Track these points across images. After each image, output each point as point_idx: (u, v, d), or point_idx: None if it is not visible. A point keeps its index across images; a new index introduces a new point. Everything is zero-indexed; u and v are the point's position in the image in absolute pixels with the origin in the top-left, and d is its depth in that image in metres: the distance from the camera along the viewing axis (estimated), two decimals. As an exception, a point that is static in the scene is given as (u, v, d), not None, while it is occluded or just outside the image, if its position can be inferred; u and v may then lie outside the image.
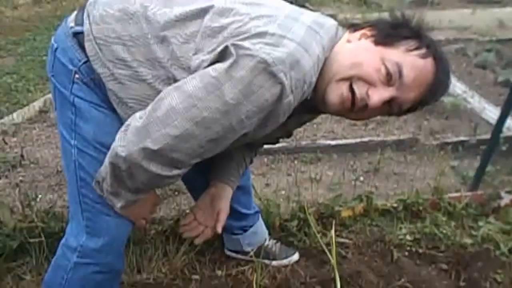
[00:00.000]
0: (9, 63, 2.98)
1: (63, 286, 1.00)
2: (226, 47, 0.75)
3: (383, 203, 1.67)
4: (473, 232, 1.57)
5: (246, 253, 1.41)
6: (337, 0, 5.34)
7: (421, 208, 1.65)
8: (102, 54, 0.84)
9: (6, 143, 2.05)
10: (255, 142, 1.06)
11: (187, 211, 1.57)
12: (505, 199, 1.70)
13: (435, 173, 1.84)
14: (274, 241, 1.47)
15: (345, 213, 1.64)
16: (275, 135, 0.99)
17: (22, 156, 1.95)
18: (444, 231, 1.55)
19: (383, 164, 2.06)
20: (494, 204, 1.69)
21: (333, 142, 2.20)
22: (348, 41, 0.85)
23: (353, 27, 0.87)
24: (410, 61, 0.81)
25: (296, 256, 1.46)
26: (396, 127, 2.38)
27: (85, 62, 0.86)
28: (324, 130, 2.34)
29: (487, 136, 1.89)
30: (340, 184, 1.89)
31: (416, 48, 0.82)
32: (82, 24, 0.87)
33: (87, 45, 0.85)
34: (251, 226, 1.39)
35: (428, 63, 0.82)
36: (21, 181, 1.83)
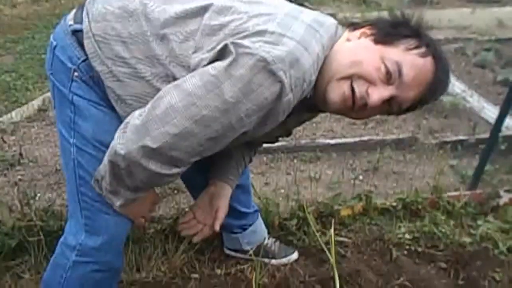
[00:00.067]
0: (7, 62, 2.97)
1: (62, 285, 1.00)
2: (226, 46, 0.75)
3: (382, 202, 1.67)
4: (472, 231, 1.58)
5: (246, 252, 1.41)
6: (336, -1, 5.34)
7: (420, 207, 1.66)
8: (101, 52, 0.84)
9: (4, 142, 2.05)
10: (255, 141, 1.06)
11: (186, 209, 1.57)
12: (504, 198, 1.70)
13: (434, 172, 1.84)
14: (273, 240, 1.47)
15: (345, 212, 1.64)
16: (274, 134, 0.99)
17: (20, 154, 1.94)
18: (443, 230, 1.55)
19: (382, 163, 2.06)
20: (493, 203, 1.69)
21: (333, 141, 2.20)
22: (348, 40, 0.85)
23: (353, 26, 0.87)
24: (409, 60, 0.81)
25: (295, 255, 1.46)
26: (395, 126, 2.39)
27: (84, 60, 0.86)
28: (323, 129, 2.34)
29: (486, 135, 1.89)
30: (339, 183, 1.89)
31: (416, 47, 0.82)
32: (81, 22, 0.86)
33: (86, 43, 0.85)
34: (250, 225, 1.39)
35: (428, 62, 0.82)
36: (20, 179, 1.83)
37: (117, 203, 0.89)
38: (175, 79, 0.81)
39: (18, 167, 1.91)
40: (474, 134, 2.23)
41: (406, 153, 2.16)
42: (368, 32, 0.84)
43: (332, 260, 0.78)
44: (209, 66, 0.76)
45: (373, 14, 4.24)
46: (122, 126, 0.81)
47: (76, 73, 0.86)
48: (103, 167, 0.85)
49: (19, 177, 1.85)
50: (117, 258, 1.04)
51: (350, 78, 0.81)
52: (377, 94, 0.81)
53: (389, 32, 0.83)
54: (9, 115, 2.26)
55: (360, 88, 0.81)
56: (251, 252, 1.36)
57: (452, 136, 2.27)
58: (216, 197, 1.11)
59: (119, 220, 0.96)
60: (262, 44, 0.74)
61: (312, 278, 1.38)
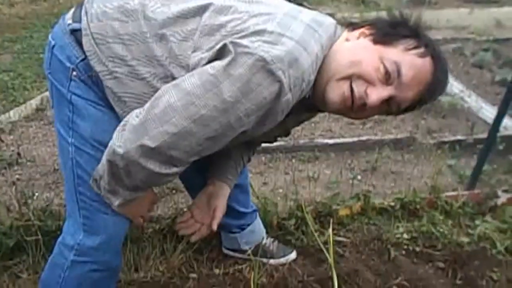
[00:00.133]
0: (5, 61, 2.97)
1: (60, 285, 1.00)
2: (225, 45, 0.75)
3: (380, 202, 1.67)
4: (470, 231, 1.58)
5: (244, 252, 1.41)
6: (335, -1, 5.34)
7: (418, 207, 1.66)
8: (100, 52, 0.84)
9: (2, 141, 2.04)
10: (253, 141, 1.06)
11: (185, 209, 1.57)
12: (502, 198, 1.71)
13: (432, 172, 1.84)
14: (272, 239, 1.47)
15: (343, 212, 1.64)
16: (273, 134, 0.99)
17: (18, 154, 1.94)
18: (441, 230, 1.56)
19: (381, 163, 2.06)
20: (490, 203, 1.69)
21: (331, 141, 2.20)
22: (347, 39, 0.85)
23: (352, 26, 0.87)
24: (408, 60, 0.81)
25: (293, 255, 1.46)
26: (393, 126, 2.39)
27: (82, 60, 0.86)
28: (322, 129, 2.35)
29: (484, 135, 1.90)
30: (337, 183, 1.89)
31: (415, 47, 0.82)
32: (79, 21, 0.86)
33: (84, 42, 0.84)
34: (248, 225, 1.39)
35: (427, 62, 0.83)
36: (17, 179, 1.82)
37: (116, 202, 0.89)
38: (174, 78, 0.81)
39: (16, 167, 1.91)
40: (472, 134, 2.24)
41: (404, 153, 2.16)
42: (367, 32, 0.84)
43: (331, 259, 0.78)
44: (208, 66, 0.76)
45: (372, 14, 4.24)
46: (120, 125, 0.81)
47: (74, 73, 0.86)
48: (102, 167, 0.85)
49: (17, 176, 1.85)
50: (115, 258, 1.04)
51: (349, 78, 0.81)
52: (376, 94, 0.81)
53: (388, 32, 0.83)
54: (7, 114, 2.26)
55: (359, 88, 0.81)
56: (249, 251, 1.36)
57: (450, 136, 2.27)
58: (214, 196, 1.10)
59: (117, 219, 0.95)
60: (261, 43, 0.74)
61: (310, 277, 1.38)
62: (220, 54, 0.76)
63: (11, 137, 2.12)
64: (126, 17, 0.84)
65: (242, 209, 1.35)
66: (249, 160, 1.20)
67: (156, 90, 0.80)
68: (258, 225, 1.43)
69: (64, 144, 0.92)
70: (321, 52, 0.80)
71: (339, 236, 1.56)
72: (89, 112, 0.88)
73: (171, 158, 0.79)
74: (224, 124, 0.77)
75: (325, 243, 1.45)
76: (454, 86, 2.76)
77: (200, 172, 1.12)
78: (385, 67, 0.80)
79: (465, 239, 1.53)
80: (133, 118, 0.79)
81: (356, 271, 1.37)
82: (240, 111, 0.75)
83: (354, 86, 0.81)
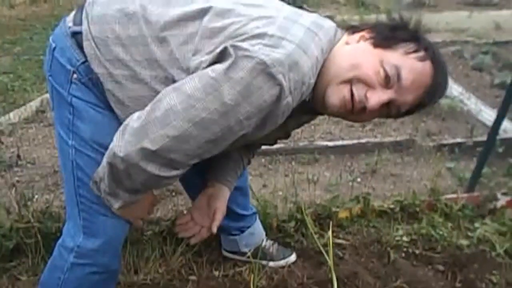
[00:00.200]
0: (5, 63, 2.97)
1: (60, 287, 1.00)
2: (225, 48, 0.75)
3: (380, 204, 1.68)
4: (470, 234, 1.58)
5: (243, 254, 1.41)
6: (334, 2, 5.36)
7: (417, 209, 1.66)
8: (100, 54, 0.84)
9: (2, 143, 2.04)
10: (253, 143, 1.06)
11: (184, 211, 1.57)
12: (501, 201, 1.71)
13: (432, 174, 1.85)
14: (271, 242, 1.47)
15: (342, 214, 1.64)
16: (273, 136, 1.00)
17: (18, 156, 1.94)
18: (441, 232, 1.56)
19: (380, 165, 2.06)
20: (490, 205, 1.69)
21: (331, 143, 2.21)
22: (347, 43, 0.85)
23: (352, 29, 0.88)
24: (408, 64, 0.81)
25: (293, 257, 1.46)
26: (393, 129, 2.39)
27: (83, 62, 0.86)
28: (321, 131, 2.35)
29: (484, 138, 1.90)
30: (337, 185, 1.89)
31: (415, 51, 0.82)
32: (80, 24, 0.86)
33: (85, 45, 0.85)
34: (248, 227, 1.39)
35: (426, 65, 0.83)
36: (17, 181, 1.82)
37: (116, 205, 0.89)
38: (174, 81, 0.81)
39: (16, 169, 1.91)
40: (471, 137, 2.24)
41: (404, 156, 2.16)
42: (367, 35, 0.85)
43: (330, 262, 0.78)
44: (209, 69, 0.76)
45: (371, 17, 4.26)
46: (121, 128, 0.81)
47: (75, 75, 0.86)
48: (102, 169, 0.85)
49: (17, 178, 1.85)
50: (115, 260, 1.04)
51: (349, 81, 0.81)
52: (376, 97, 0.81)
53: (387, 36, 0.83)
54: (7, 116, 2.26)
55: (359, 91, 0.81)
56: (249, 254, 1.36)
57: (450, 139, 2.28)
58: (214, 199, 1.11)
59: (117, 222, 0.95)
60: (261, 47, 0.74)
61: (310, 280, 1.38)
62: (220, 57, 0.76)
63: (11, 139, 2.12)
64: (127, 20, 0.84)
65: (241, 212, 1.35)
66: (249, 163, 1.20)
67: (156, 92, 0.81)
68: (257, 227, 1.43)
69: (64, 146, 0.92)
70: (321, 55, 0.80)
71: (339, 238, 1.56)
72: (89, 114, 0.88)
73: (171, 161, 0.79)
74: (225, 127, 0.77)
75: (325, 245, 1.45)
76: (454, 88, 2.77)
77: (200, 174, 1.12)
78: (385, 70, 0.80)
79: (465, 242, 1.53)
80: (133, 121, 0.79)
81: (356, 274, 1.37)
82: (241, 114, 0.76)
83: (354, 89, 0.81)
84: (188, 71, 0.80)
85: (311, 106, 0.88)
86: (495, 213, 1.67)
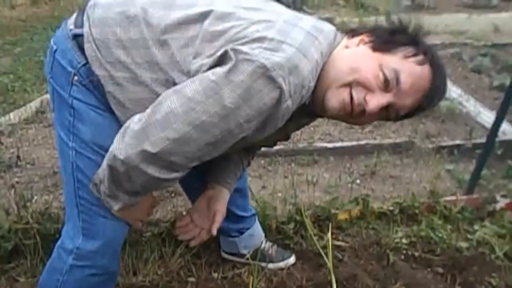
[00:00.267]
0: (6, 63, 2.97)
1: (59, 289, 1.00)
2: (226, 52, 0.76)
3: (379, 206, 1.68)
4: (469, 236, 1.58)
5: (243, 256, 1.41)
6: (334, 4, 5.37)
7: (417, 211, 1.66)
8: (101, 56, 0.84)
9: (2, 144, 2.04)
10: (253, 145, 1.06)
11: (184, 213, 1.57)
12: (500, 203, 1.71)
13: (431, 176, 1.85)
14: (271, 243, 1.47)
15: (342, 216, 1.64)
16: (273, 139, 1.00)
17: (18, 157, 1.94)
18: (440, 235, 1.56)
19: (380, 167, 2.07)
20: (489, 208, 1.70)
21: (330, 145, 2.21)
22: (347, 46, 0.86)
23: (351, 32, 0.88)
24: (407, 68, 0.82)
25: (292, 259, 1.46)
26: (392, 131, 2.40)
27: (84, 64, 0.86)
28: (321, 133, 2.35)
29: (483, 140, 1.90)
30: (336, 187, 1.89)
31: (414, 55, 0.83)
32: (81, 27, 0.87)
33: (86, 47, 0.85)
34: (247, 229, 1.39)
35: (425, 69, 0.83)
36: (17, 182, 1.82)
37: (115, 207, 0.89)
38: (175, 84, 0.81)
39: (15, 169, 1.91)
40: (470, 139, 2.24)
41: (403, 157, 2.17)
42: (367, 39, 0.85)
43: (329, 264, 0.78)
44: (209, 72, 0.77)
45: (371, 19, 4.27)
46: (121, 130, 0.82)
47: (76, 77, 0.87)
48: (102, 171, 0.85)
49: (16, 179, 1.85)
50: (114, 262, 1.04)
51: (349, 85, 0.82)
52: (375, 101, 0.81)
53: (387, 39, 0.84)
54: (7, 116, 2.26)
55: (358, 95, 0.82)
56: (248, 256, 1.36)
57: (449, 141, 2.28)
58: (214, 201, 1.11)
59: (116, 224, 0.96)
60: (261, 50, 0.74)
61: (309, 282, 1.38)
62: (221, 60, 0.76)
63: (11, 139, 2.12)
64: (128, 23, 0.84)
65: (241, 213, 1.35)
66: (248, 164, 1.20)
67: (157, 95, 0.81)
68: (257, 229, 1.43)
69: (65, 148, 0.92)
70: (321, 59, 0.81)
71: (338, 240, 1.56)
72: (90, 116, 0.88)
73: (171, 164, 0.80)
74: (225, 130, 0.77)
75: (324, 247, 1.45)
76: (453, 90, 2.78)
77: (200, 176, 1.13)
78: (384, 74, 0.81)
79: (464, 244, 1.53)
80: (134, 123, 0.80)
81: (355, 276, 1.37)
82: (241, 117, 0.76)
83: (353, 93, 0.82)
84: (189, 74, 0.81)
85: (311, 109, 0.88)
86: (494, 216, 1.67)
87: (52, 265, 1.02)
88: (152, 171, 0.79)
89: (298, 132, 2.14)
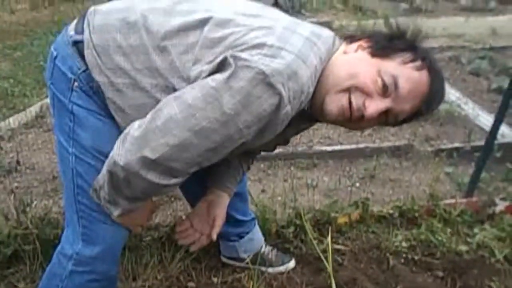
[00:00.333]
0: (6, 68, 2.98)
1: (58, 294, 0.99)
2: (225, 58, 0.76)
3: (379, 210, 1.68)
4: (469, 239, 1.58)
5: (242, 260, 1.41)
6: (332, 7, 5.39)
7: (416, 214, 1.66)
8: (101, 63, 0.85)
9: (1, 148, 2.05)
10: (253, 150, 1.07)
11: (183, 217, 1.57)
12: (500, 206, 1.71)
13: (430, 179, 1.85)
14: (270, 247, 1.47)
15: (341, 220, 1.64)
16: (272, 143, 1.00)
17: (17, 161, 1.94)
18: (440, 238, 1.56)
19: (379, 170, 2.07)
20: (489, 211, 1.70)
21: (329, 148, 2.21)
22: (345, 52, 0.86)
23: (350, 38, 0.89)
24: (405, 73, 0.82)
25: (292, 263, 1.46)
26: (391, 134, 2.40)
27: (84, 70, 0.87)
28: (320, 136, 2.36)
29: (482, 142, 1.91)
30: (336, 190, 1.89)
31: (412, 61, 0.83)
32: (82, 33, 0.87)
33: (86, 53, 0.85)
34: (247, 233, 1.39)
35: (423, 75, 0.84)
36: (16, 187, 1.82)
37: (115, 212, 0.89)
38: (174, 90, 0.82)
39: (15, 174, 1.91)
40: (469, 142, 2.25)
41: (403, 161, 2.17)
42: (365, 45, 0.86)
43: (329, 268, 0.78)
44: (209, 78, 0.77)
45: (369, 22, 4.29)
46: (121, 136, 0.82)
47: (76, 83, 0.87)
48: (102, 177, 0.85)
49: (16, 184, 1.85)
50: (113, 267, 1.04)
51: (348, 90, 0.82)
52: (374, 106, 0.82)
53: (385, 45, 0.84)
54: (6, 121, 2.26)
55: (357, 100, 0.82)
56: (248, 260, 1.36)
57: (448, 144, 2.29)
58: (213, 205, 1.11)
59: (116, 229, 0.96)
60: (261, 57, 0.75)
61: (309, 286, 1.38)
62: (220, 67, 0.77)
63: (10, 144, 2.12)
64: (128, 29, 0.85)
65: (240, 217, 1.35)
66: (248, 169, 1.20)
67: (157, 101, 0.81)
68: (256, 233, 1.43)
69: (65, 153, 0.92)
70: (320, 64, 0.81)
71: (338, 244, 1.56)
72: (90, 122, 0.88)
73: (171, 170, 0.80)
74: (225, 136, 0.77)
75: (324, 251, 1.45)
76: (451, 93, 2.79)
77: (199, 180, 1.13)
78: (382, 80, 0.81)
79: (464, 248, 1.53)
80: (134, 129, 0.80)
81: (355, 280, 1.37)
82: (240, 123, 0.76)
83: (352, 98, 0.82)
84: (189, 80, 0.81)
85: (310, 113, 0.88)
86: (494, 219, 1.67)
87: (52, 270, 1.02)
88: (152, 177, 0.80)
89: (298, 135, 2.15)
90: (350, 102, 0.82)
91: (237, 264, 1.45)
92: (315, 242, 1.50)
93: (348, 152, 2.20)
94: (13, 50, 3.29)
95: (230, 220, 1.24)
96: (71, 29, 0.90)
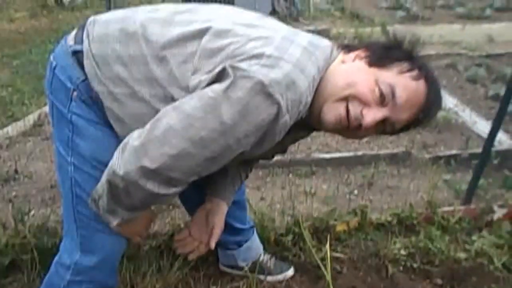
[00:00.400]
0: (4, 76, 2.98)
1: (56, 304, 0.99)
2: (224, 68, 0.77)
3: (377, 217, 1.68)
4: (467, 247, 1.58)
5: (241, 269, 1.41)
6: (330, 15, 5.44)
7: (415, 222, 1.66)
8: (100, 73, 0.85)
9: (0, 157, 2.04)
10: (251, 159, 1.07)
11: (182, 226, 1.57)
12: (498, 213, 1.71)
13: (428, 186, 1.85)
14: (269, 256, 1.47)
15: (340, 227, 1.64)
16: (271, 152, 1.00)
17: (16, 170, 1.93)
18: (438, 246, 1.56)
19: (377, 178, 2.07)
20: (487, 218, 1.70)
21: (328, 156, 2.22)
22: (343, 61, 0.87)
23: (348, 48, 0.90)
24: (402, 83, 0.83)
25: (291, 271, 1.46)
26: (389, 141, 2.41)
27: (83, 80, 0.87)
28: (318, 144, 2.36)
29: (479, 149, 1.92)
30: (334, 198, 1.89)
31: (409, 70, 0.84)
32: (81, 43, 0.88)
33: (86, 63, 0.86)
34: (246, 241, 1.39)
35: (420, 84, 0.85)
36: (14, 196, 1.81)
37: (114, 222, 0.89)
38: (173, 99, 0.82)
39: (12, 183, 1.90)
40: (467, 149, 2.26)
41: (401, 168, 2.18)
42: (362, 54, 0.86)
43: (328, 276, 0.78)
44: (208, 89, 0.78)
45: (366, 30, 4.33)
46: (121, 146, 0.82)
47: (75, 93, 0.88)
48: (101, 187, 0.85)
49: (14, 193, 1.84)
50: (112, 277, 1.04)
51: (345, 99, 0.83)
52: (372, 115, 0.83)
53: (382, 55, 0.85)
54: (4, 129, 2.26)
55: (355, 109, 0.83)
56: (246, 268, 1.36)
57: (446, 151, 2.30)
58: (212, 214, 1.11)
59: (115, 239, 0.96)
60: (259, 67, 0.75)
61: (308, 294, 1.37)
62: (219, 77, 0.77)
63: (8, 152, 2.12)
64: (127, 39, 0.85)
65: (239, 225, 1.35)
66: (246, 177, 1.20)
67: (156, 110, 0.82)
68: (255, 241, 1.43)
69: (63, 163, 0.92)
70: (318, 74, 0.82)
71: (337, 252, 1.56)
72: (89, 132, 0.89)
73: (170, 179, 0.80)
74: (223, 146, 0.78)
75: (323, 259, 1.44)
76: (449, 101, 2.80)
77: (197, 188, 1.13)
78: (380, 89, 0.82)
79: (463, 255, 1.53)
80: (133, 139, 0.80)
81: (354, 288, 1.37)
82: (239, 133, 0.77)
83: (350, 107, 0.83)
84: (187, 90, 0.81)
85: (308, 122, 0.89)
86: (492, 226, 1.67)
87: (50, 280, 1.02)
88: (151, 186, 0.80)
89: (296, 143, 2.16)
90: (348, 111, 0.83)
91: (236, 272, 1.44)
92: (313, 250, 1.49)
93: (346, 160, 2.21)
94: (12, 58, 3.30)
95: (229, 228, 1.24)
96: (70, 39, 0.91)
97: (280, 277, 1.43)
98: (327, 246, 0.93)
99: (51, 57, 0.92)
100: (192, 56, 0.82)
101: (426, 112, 0.86)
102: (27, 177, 1.95)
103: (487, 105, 2.87)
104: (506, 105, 1.62)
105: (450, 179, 2.06)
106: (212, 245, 1.09)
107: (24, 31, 3.94)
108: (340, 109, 0.83)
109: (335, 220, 1.64)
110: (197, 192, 1.15)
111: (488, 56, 3.79)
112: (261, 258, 1.43)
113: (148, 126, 0.80)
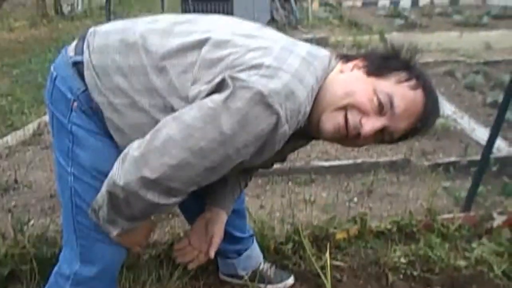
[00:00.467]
0: (4, 85, 2.99)
1: (56, 315, 0.98)
2: (223, 79, 0.77)
3: (377, 225, 1.67)
4: (467, 254, 1.57)
5: (241, 277, 1.40)
6: (328, 23, 5.48)
7: (414, 229, 1.66)
8: (100, 83, 0.86)
9: (-1, 166, 2.04)
10: (251, 168, 1.07)
11: (181, 235, 1.56)
12: (497, 220, 1.71)
13: (428, 194, 1.86)
14: (269, 264, 1.46)
15: (340, 235, 1.64)
16: (270, 161, 1.01)
17: (15, 180, 1.93)
18: (438, 253, 1.55)
19: (377, 185, 2.07)
20: (486, 225, 1.70)
21: (327, 164, 2.22)
22: (341, 71, 0.88)
23: (346, 57, 0.91)
24: (400, 92, 0.84)
25: (291, 280, 1.45)
26: (388, 149, 2.42)
27: (83, 91, 0.88)
28: (318, 152, 2.37)
29: (478, 156, 1.92)
30: (334, 206, 1.89)
31: (406, 80, 0.85)
32: (81, 54, 0.89)
33: (86, 74, 0.87)
34: (245, 250, 1.39)
35: (418, 94, 0.86)
36: (14, 205, 1.81)
37: (114, 232, 0.89)
38: (173, 109, 0.83)
39: (12, 192, 1.90)
40: (465, 156, 2.26)
41: (400, 175, 2.18)
42: (360, 64, 0.87)
43: (328, 285, 0.78)
44: (207, 99, 0.78)
45: (364, 38, 4.36)
46: (121, 156, 0.82)
47: (75, 104, 0.88)
48: (101, 197, 0.85)
49: (13, 202, 1.84)
50: (111, 287, 1.03)
51: (344, 108, 0.84)
52: (370, 124, 0.83)
53: (380, 65, 0.86)
54: (4, 139, 2.26)
55: (353, 118, 0.83)
56: (246, 277, 1.35)
57: (444, 158, 2.30)
58: (211, 223, 1.11)
59: (115, 249, 0.95)
60: (258, 77, 0.76)
61: (308, 303, 1.36)
62: (218, 87, 0.78)
63: (8, 162, 2.12)
64: (127, 50, 0.86)
65: (238, 234, 1.34)
66: (246, 186, 1.21)
67: (156, 121, 0.82)
68: (255, 250, 1.43)
69: (63, 173, 0.92)
70: (316, 84, 0.83)
71: (337, 260, 1.55)
72: (89, 142, 0.89)
73: (170, 189, 0.80)
74: (223, 156, 0.78)
75: (323, 267, 1.44)
76: (447, 108, 2.82)
77: (197, 197, 1.13)
78: (378, 98, 0.83)
79: (463, 263, 1.52)
80: (133, 149, 0.81)
81: (355, 297, 1.36)
82: (239, 143, 0.77)
83: (349, 116, 0.83)
84: (187, 100, 0.82)
85: (307, 131, 0.90)
86: (492, 233, 1.67)
87: (49, 291, 1.01)
88: (151, 196, 0.80)
89: (295, 151, 2.16)
90: (346, 120, 0.84)
91: (236, 281, 1.43)
92: (313, 258, 1.49)
93: (345, 167, 2.21)
94: (11, 67, 3.32)
95: (228, 237, 1.24)
96: (70, 50, 0.92)
97: (280, 285, 1.43)
98: (327, 254, 0.93)
99: (52, 68, 0.93)
100: (192, 66, 0.83)
101: (424, 121, 0.87)
102: (27, 186, 1.95)
103: (485, 112, 2.88)
104: (504, 112, 1.63)
105: (450, 186, 2.06)
106: (212, 254, 1.09)
107: (24, 40, 3.96)
108: (339, 118, 0.84)
109: (335, 228, 1.64)
110: (197, 201, 1.15)
111: (485, 63, 3.82)
112: (261, 267, 1.43)
113: (148, 136, 0.80)
